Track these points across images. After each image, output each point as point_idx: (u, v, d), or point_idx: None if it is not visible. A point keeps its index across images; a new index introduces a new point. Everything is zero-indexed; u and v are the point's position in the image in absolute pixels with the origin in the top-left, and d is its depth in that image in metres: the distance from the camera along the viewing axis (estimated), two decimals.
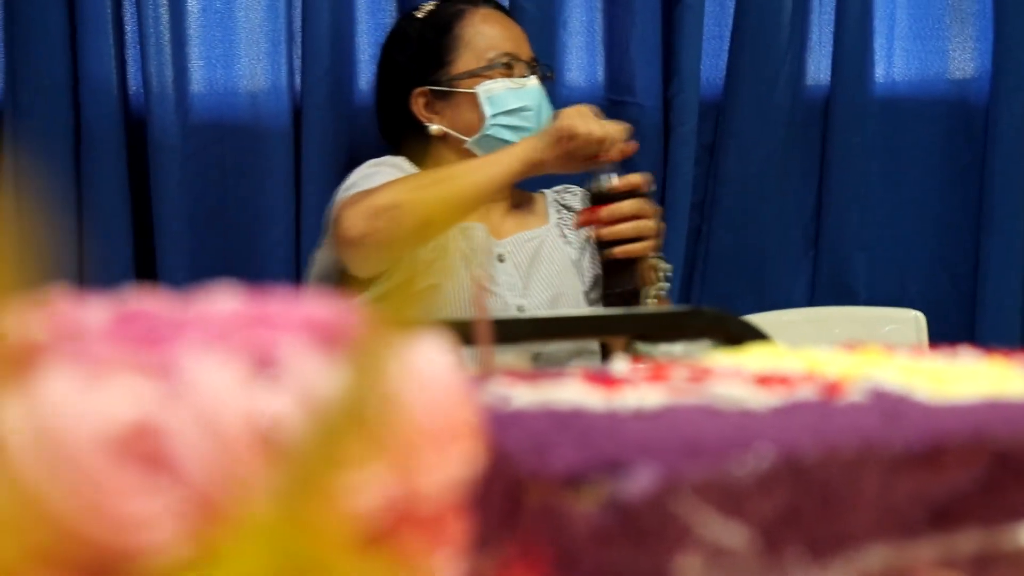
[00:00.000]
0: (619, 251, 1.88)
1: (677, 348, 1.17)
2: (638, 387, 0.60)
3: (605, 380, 0.62)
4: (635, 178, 1.90)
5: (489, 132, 2.00)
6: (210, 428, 0.33)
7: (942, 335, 2.37)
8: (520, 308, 1.98)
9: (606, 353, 2.05)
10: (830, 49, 2.41)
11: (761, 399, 0.58)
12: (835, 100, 2.41)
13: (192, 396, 0.33)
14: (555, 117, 1.92)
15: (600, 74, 2.40)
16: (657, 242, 1.90)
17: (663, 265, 1.94)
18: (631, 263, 1.88)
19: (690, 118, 2.36)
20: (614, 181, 1.89)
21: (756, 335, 1.24)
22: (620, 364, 0.70)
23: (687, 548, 0.47)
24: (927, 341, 2.37)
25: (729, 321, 1.23)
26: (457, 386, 0.39)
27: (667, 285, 1.95)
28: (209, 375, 0.33)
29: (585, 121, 1.87)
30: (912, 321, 2.37)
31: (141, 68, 2.19)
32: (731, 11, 2.40)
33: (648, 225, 1.88)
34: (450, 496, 0.39)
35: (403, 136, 2.07)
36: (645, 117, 2.36)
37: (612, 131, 1.89)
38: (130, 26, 2.20)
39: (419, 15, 2.09)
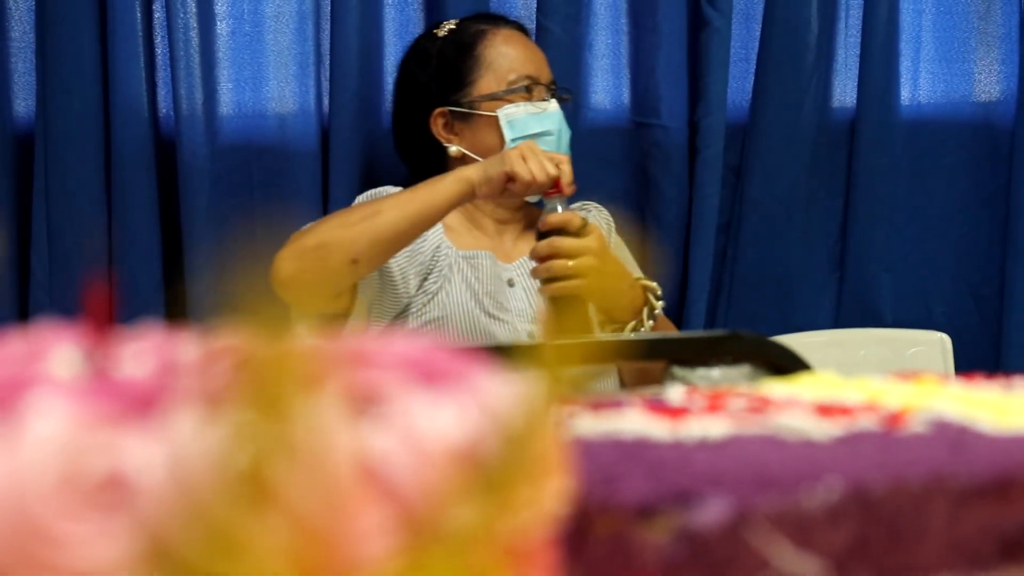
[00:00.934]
0: (541, 288, 1.84)
1: (715, 373, 1.17)
2: (701, 417, 0.61)
3: (667, 410, 0.62)
4: (555, 218, 1.84)
5: None
6: (316, 468, 0.33)
7: (967, 358, 2.37)
8: (531, 335, 1.97)
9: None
10: (856, 72, 2.41)
11: (824, 430, 0.58)
12: (861, 122, 2.41)
13: (301, 435, 0.34)
14: (503, 156, 1.85)
15: (626, 96, 2.40)
16: (587, 283, 1.81)
17: (651, 285, 1.92)
18: (562, 300, 1.82)
19: (716, 141, 2.36)
20: (550, 218, 1.84)
21: (795, 360, 1.24)
22: (675, 393, 0.70)
23: None
24: (952, 364, 2.37)
25: (768, 346, 1.23)
26: (548, 420, 0.40)
27: (660, 305, 1.92)
28: (319, 414, 0.34)
29: (528, 165, 1.82)
30: (938, 343, 2.37)
31: (171, 91, 2.21)
32: (757, 34, 2.40)
33: (563, 264, 1.81)
34: (542, 531, 0.39)
35: (421, 156, 2.07)
36: (671, 139, 2.37)
37: (554, 172, 1.83)
38: (160, 49, 2.22)
39: (440, 34, 2.08)
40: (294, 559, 0.33)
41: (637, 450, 0.55)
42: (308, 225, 1.88)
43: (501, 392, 0.38)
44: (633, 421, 0.60)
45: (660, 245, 2.37)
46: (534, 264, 1.83)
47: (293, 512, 0.33)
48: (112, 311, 0.35)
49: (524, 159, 1.81)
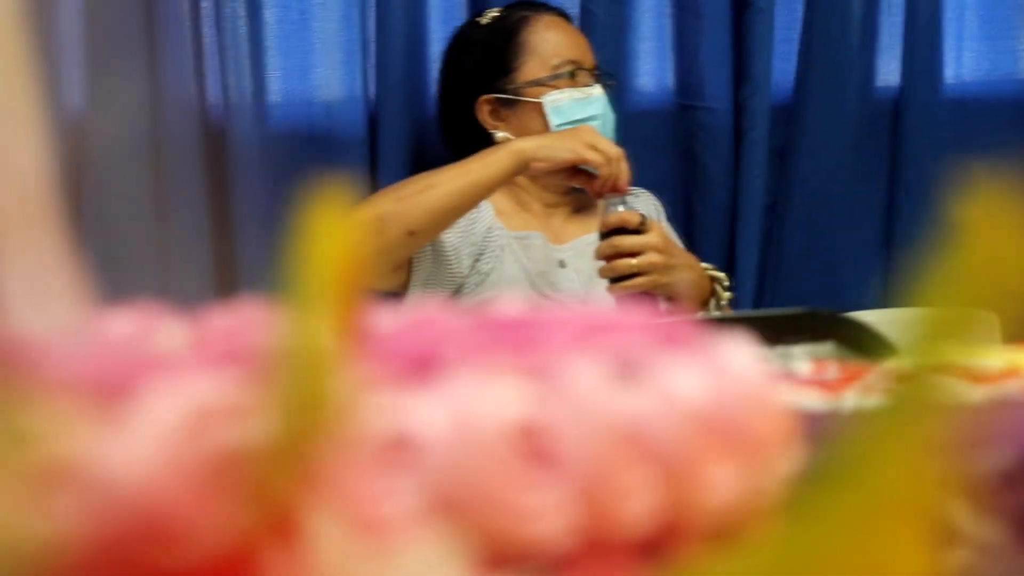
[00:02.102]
0: (609, 288, 1.83)
1: (796, 350, 1.17)
2: (851, 389, 0.62)
3: (819, 382, 0.63)
4: (613, 218, 1.83)
5: None
6: (589, 427, 0.34)
7: (1014, 335, 2.37)
8: None
9: None
10: (900, 51, 2.41)
11: (976, 394, 0.59)
12: (905, 101, 2.42)
13: (570, 396, 0.34)
14: (571, 145, 1.86)
15: (670, 79, 2.41)
16: (655, 279, 1.81)
17: (719, 275, 1.93)
18: (631, 298, 1.81)
19: (761, 122, 2.37)
20: (609, 218, 1.84)
21: (874, 337, 1.24)
22: (802, 366, 0.71)
23: (950, 543, 0.48)
24: (1000, 340, 2.37)
25: (846, 323, 1.23)
26: (769, 388, 0.40)
27: (728, 295, 1.93)
28: (584, 376, 0.35)
29: (598, 153, 1.84)
30: (985, 320, 2.37)
31: (220, 80, 2.21)
32: (800, 14, 2.41)
33: (626, 263, 1.80)
34: (766, 497, 0.40)
35: (467, 143, 2.08)
36: (716, 121, 2.37)
37: (615, 161, 1.84)
38: (209, 39, 2.23)
39: (483, 22, 2.10)
40: (567, 514, 0.34)
41: (802, 421, 0.56)
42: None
43: (739, 359, 0.38)
44: (785, 392, 0.61)
45: (707, 227, 2.38)
46: (596, 247, 1.83)
47: (565, 469, 0.34)
48: (363, 281, 0.35)
49: (594, 147, 1.83)
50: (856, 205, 2.43)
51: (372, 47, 2.28)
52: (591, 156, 1.83)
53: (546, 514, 0.33)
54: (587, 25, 2.31)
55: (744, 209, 2.37)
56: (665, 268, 1.81)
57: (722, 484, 0.36)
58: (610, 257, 1.81)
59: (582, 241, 2.05)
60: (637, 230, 1.81)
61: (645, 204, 2.13)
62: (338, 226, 0.27)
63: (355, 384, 0.29)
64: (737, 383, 0.37)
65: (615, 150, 1.85)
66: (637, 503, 0.35)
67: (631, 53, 2.39)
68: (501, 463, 0.33)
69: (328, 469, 0.28)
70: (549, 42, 2.05)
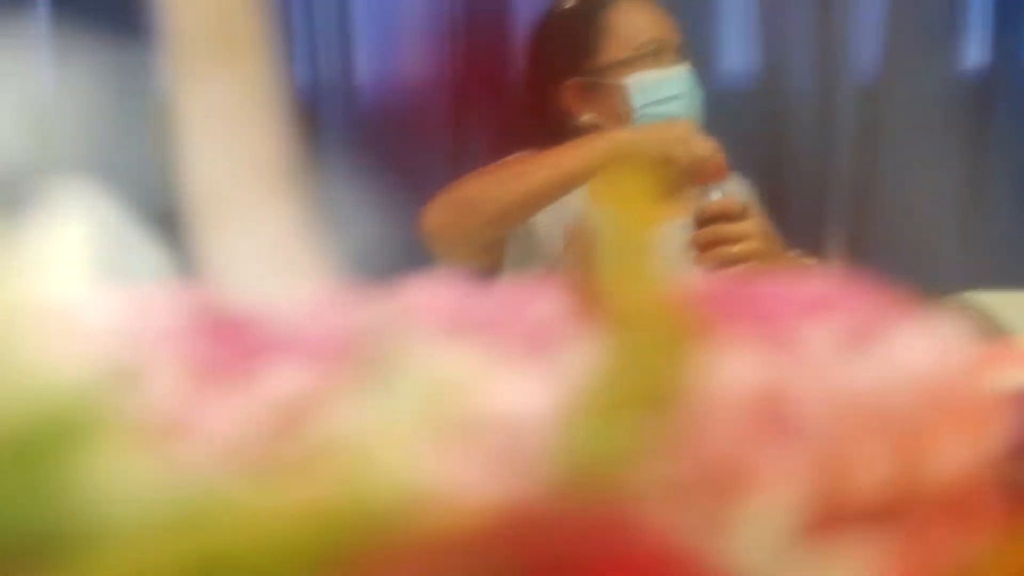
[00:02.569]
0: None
1: None
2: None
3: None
4: (715, 207, 1.82)
5: (640, 123, 2.00)
6: (827, 395, 0.34)
7: None
8: None
9: None
10: (990, 31, 2.39)
11: None
12: (994, 83, 2.39)
13: (808, 365, 0.35)
14: (661, 136, 1.87)
15: (756, 60, 2.40)
16: (757, 266, 1.81)
17: (809, 262, 1.93)
18: None
19: (847, 103, 2.35)
20: (711, 206, 1.83)
21: (987, 320, 1.24)
22: None
23: None
24: None
25: (962, 308, 1.23)
26: (970, 358, 0.40)
27: None
28: (820, 345, 0.35)
29: (688, 150, 1.84)
30: None
31: (309, 62, 2.23)
32: None
33: (727, 252, 1.80)
34: (971, 476, 0.40)
35: (554, 127, 2.08)
36: (802, 103, 2.36)
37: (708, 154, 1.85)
38: (298, 21, 2.24)
39: (567, 5, 2.10)
40: (807, 480, 0.34)
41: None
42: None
43: (954, 331, 0.39)
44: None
45: (793, 210, 2.37)
46: (696, 234, 1.82)
47: (805, 436, 0.34)
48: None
49: (684, 143, 1.83)
50: (944, 188, 2.41)
51: (459, 30, 2.28)
52: (678, 153, 1.82)
53: (789, 481, 0.34)
54: (672, 6, 2.30)
55: (831, 192, 2.35)
56: (767, 255, 1.81)
57: (951, 456, 0.36)
58: (710, 245, 1.81)
59: (672, 224, 2.04)
60: (738, 218, 1.81)
61: (738, 190, 2.12)
62: (643, 200, 0.28)
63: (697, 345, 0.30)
64: (958, 355, 0.38)
65: (706, 147, 1.84)
66: (873, 472, 0.35)
67: (715, 34, 2.38)
68: (749, 430, 0.33)
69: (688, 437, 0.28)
70: (631, 23, 2.04)
